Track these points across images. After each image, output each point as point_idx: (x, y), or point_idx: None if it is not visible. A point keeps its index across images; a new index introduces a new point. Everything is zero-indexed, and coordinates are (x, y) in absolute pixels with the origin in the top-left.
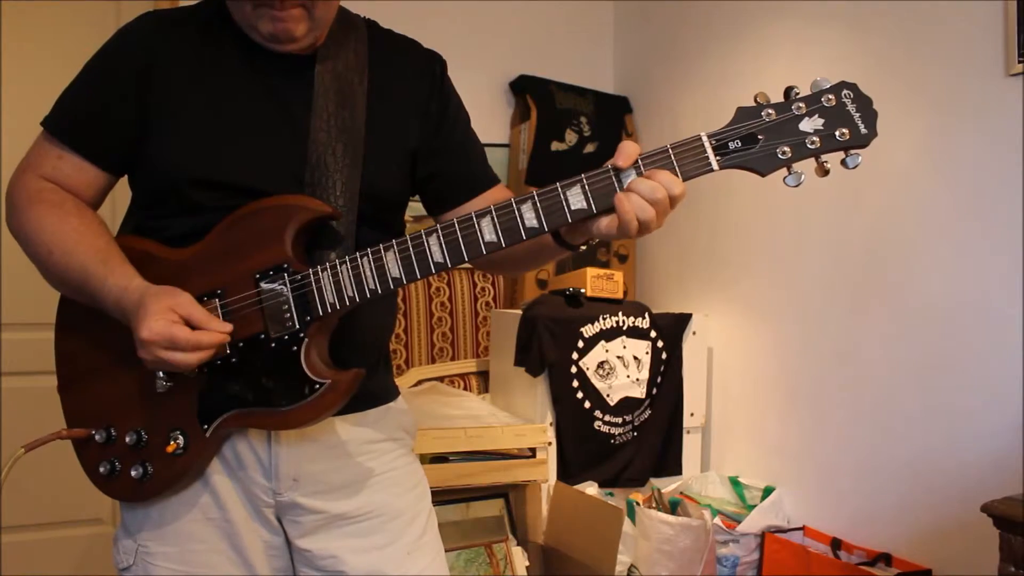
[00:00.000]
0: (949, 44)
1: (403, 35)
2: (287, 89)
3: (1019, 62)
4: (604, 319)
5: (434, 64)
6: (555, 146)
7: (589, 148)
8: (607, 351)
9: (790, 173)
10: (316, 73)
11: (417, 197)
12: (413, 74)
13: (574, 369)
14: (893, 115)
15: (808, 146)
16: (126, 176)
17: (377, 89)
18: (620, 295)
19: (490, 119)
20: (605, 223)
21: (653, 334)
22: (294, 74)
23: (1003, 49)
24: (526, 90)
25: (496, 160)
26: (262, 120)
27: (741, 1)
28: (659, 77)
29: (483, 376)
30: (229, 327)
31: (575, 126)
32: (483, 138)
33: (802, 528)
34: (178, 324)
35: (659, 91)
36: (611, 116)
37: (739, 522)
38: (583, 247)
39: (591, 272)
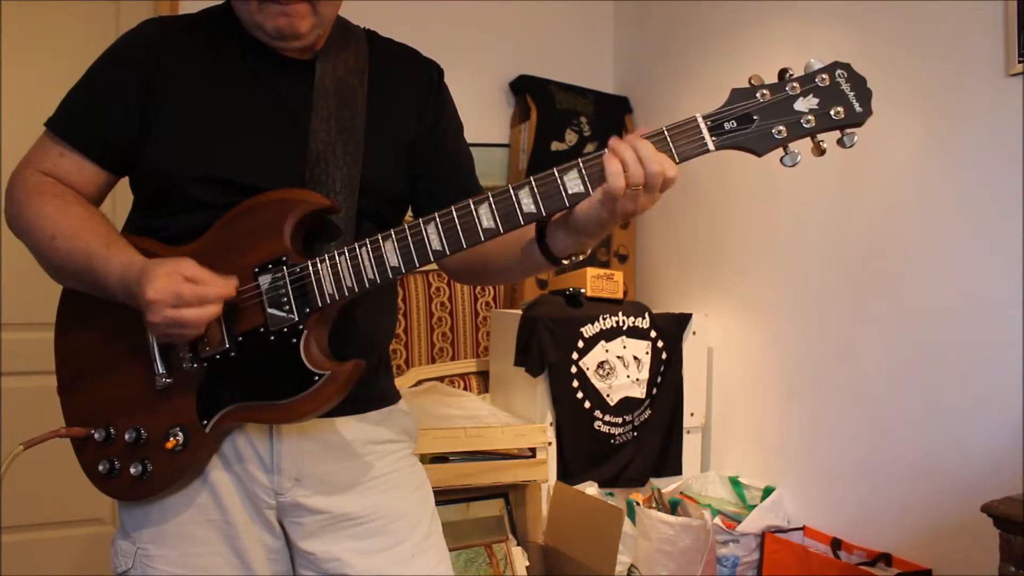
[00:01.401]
0: (949, 44)
1: (403, 43)
2: (288, 90)
3: (1019, 62)
4: (604, 319)
5: (431, 71)
6: (555, 146)
7: (589, 148)
8: (607, 351)
9: (786, 153)
10: (317, 75)
11: None
12: (411, 78)
13: (574, 369)
14: (893, 115)
15: (803, 125)
16: (126, 177)
17: (377, 91)
18: (620, 295)
19: (490, 119)
20: (591, 197)
21: (653, 334)
22: (295, 76)
23: (1003, 49)
24: (526, 90)
25: (496, 160)
26: (263, 120)
27: (741, 1)
28: (659, 77)
29: (483, 376)
30: (234, 280)
31: (575, 126)
32: (483, 138)
33: (802, 528)
34: (183, 282)
35: (659, 91)
36: (611, 116)
37: (739, 522)
38: (566, 261)
39: (591, 272)
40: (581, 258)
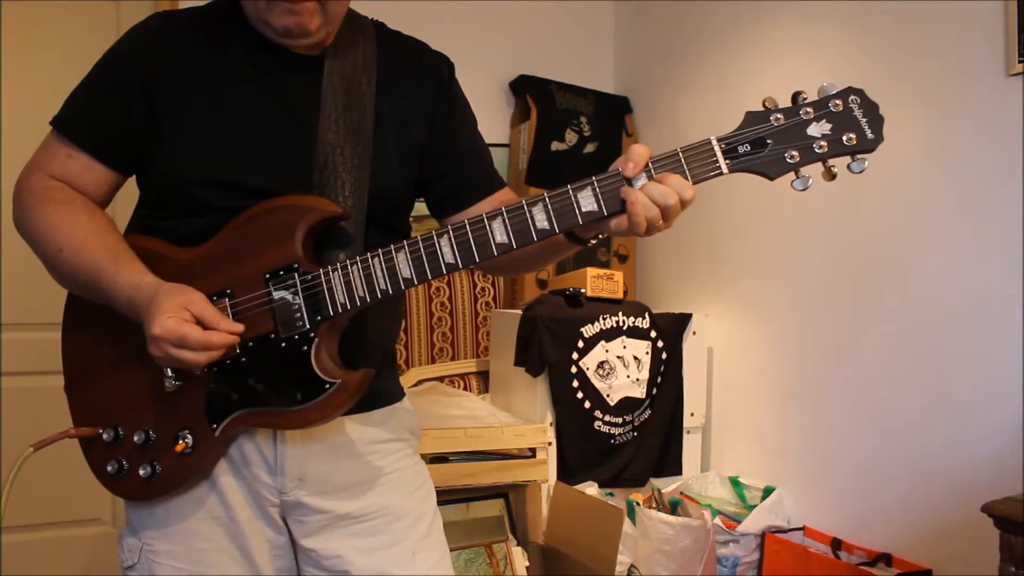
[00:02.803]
0: (949, 44)
1: (411, 37)
2: (295, 90)
3: (1019, 62)
4: (604, 319)
5: (441, 66)
6: (555, 146)
7: (589, 148)
8: (607, 351)
9: (798, 177)
10: (324, 74)
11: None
12: (421, 76)
13: (574, 369)
14: (893, 115)
15: (816, 151)
16: (131, 177)
17: (385, 90)
18: (620, 295)
19: (490, 119)
20: (615, 222)
21: (653, 334)
22: (302, 75)
23: (1003, 49)
24: (526, 90)
25: (496, 160)
26: (270, 121)
27: (741, 1)
28: (659, 77)
29: (483, 376)
30: (240, 327)
31: (575, 126)
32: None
33: (802, 528)
34: (190, 323)
35: (659, 91)
36: (611, 116)
37: (739, 522)
38: (593, 240)
39: (591, 272)
40: (604, 235)
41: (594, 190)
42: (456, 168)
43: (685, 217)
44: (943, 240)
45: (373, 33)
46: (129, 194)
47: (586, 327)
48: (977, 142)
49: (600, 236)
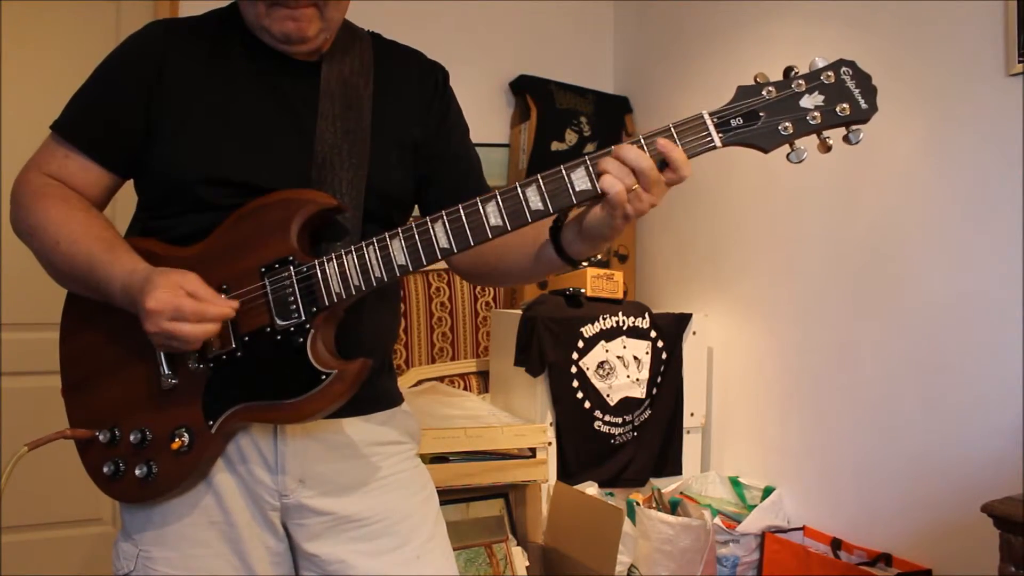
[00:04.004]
0: (949, 44)
1: (406, 45)
2: (294, 92)
3: (1019, 62)
4: (604, 319)
5: (436, 73)
6: (555, 146)
7: (589, 148)
8: (607, 351)
9: (792, 150)
10: (322, 77)
11: None
12: (416, 80)
13: (574, 369)
14: (893, 115)
15: (809, 122)
16: (128, 180)
17: (382, 93)
18: (620, 295)
19: (490, 119)
20: (598, 207)
21: (653, 334)
22: (301, 78)
23: (1003, 49)
24: (526, 90)
25: (496, 160)
26: (268, 121)
27: (741, 1)
28: (659, 77)
29: (483, 376)
30: (235, 303)
31: (575, 126)
32: (483, 138)
33: (802, 528)
34: (184, 296)
35: (659, 91)
36: (611, 116)
37: (739, 522)
38: (585, 263)
39: (591, 272)
40: (599, 257)
41: (587, 168)
42: (444, 171)
43: (685, 217)
44: (943, 240)
45: (370, 41)
46: (129, 196)
47: (586, 327)
48: (977, 142)
49: (592, 258)
